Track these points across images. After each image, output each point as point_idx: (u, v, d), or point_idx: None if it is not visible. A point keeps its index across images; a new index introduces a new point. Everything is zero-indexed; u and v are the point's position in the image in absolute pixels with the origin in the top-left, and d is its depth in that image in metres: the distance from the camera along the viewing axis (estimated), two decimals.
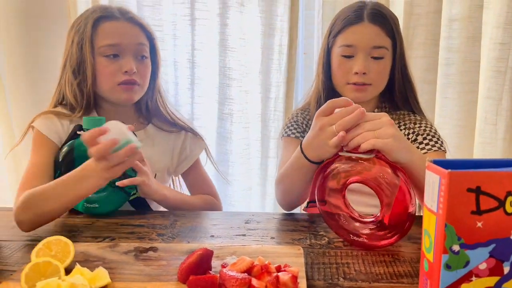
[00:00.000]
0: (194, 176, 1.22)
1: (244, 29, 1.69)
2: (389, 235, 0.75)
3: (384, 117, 0.76)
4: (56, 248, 0.68)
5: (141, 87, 1.08)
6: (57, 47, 1.10)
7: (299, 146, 0.84)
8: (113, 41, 1.03)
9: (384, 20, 1.02)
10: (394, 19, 1.04)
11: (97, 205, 0.96)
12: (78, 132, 1.00)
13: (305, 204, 1.18)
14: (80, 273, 0.62)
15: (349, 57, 1.03)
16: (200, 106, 1.75)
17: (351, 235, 0.78)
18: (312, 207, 0.82)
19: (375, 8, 1.03)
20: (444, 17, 1.60)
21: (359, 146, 0.74)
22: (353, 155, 0.76)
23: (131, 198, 1.06)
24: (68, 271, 0.64)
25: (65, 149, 0.99)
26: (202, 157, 1.25)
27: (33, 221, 0.88)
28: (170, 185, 1.26)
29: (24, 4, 1.69)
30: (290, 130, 1.12)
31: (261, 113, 1.74)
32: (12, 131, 1.71)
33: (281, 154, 1.12)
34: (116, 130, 0.82)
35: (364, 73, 1.01)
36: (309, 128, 0.83)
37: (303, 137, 1.09)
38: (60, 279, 0.61)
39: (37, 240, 0.77)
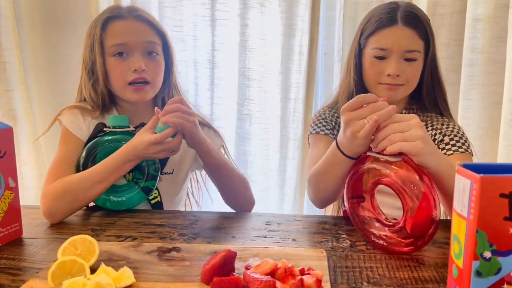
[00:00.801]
0: None
1: (264, 30, 1.68)
2: (412, 241, 0.74)
3: (414, 119, 0.74)
4: (82, 246, 0.68)
5: (152, 86, 1.07)
6: (79, 48, 1.12)
7: (335, 142, 0.83)
8: (120, 41, 1.04)
9: (418, 22, 1.00)
10: (427, 20, 1.02)
11: (124, 198, 1.01)
12: (105, 129, 1.04)
13: (334, 205, 1.18)
14: (105, 272, 0.63)
15: (381, 58, 1.01)
16: (219, 106, 1.75)
17: (375, 238, 0.77)
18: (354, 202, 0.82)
19: (409, 9, 1.01)
20: (468, 17, 1.57)
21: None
22: (381, 157, 0.75)
23: (153, 202, 1.07)
24: (93, 270, 0.65)
25: (90, 144, 1.02)
26: None
27: (67, 209, 0.94)
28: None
29: (48, 7, 1.72)
30: (319, 127, 1.11)
31: (281, 114, 1.74)
32: (36, 130, 1.74)
33: (310, 152, 1.11)
34: None
35: (397, 75, 1.00)
36: (338, 125, 0.82)
37: (332, 133, 1.09)
38: (86, 278, 0.61)
39: (61, 238, 0.78)
